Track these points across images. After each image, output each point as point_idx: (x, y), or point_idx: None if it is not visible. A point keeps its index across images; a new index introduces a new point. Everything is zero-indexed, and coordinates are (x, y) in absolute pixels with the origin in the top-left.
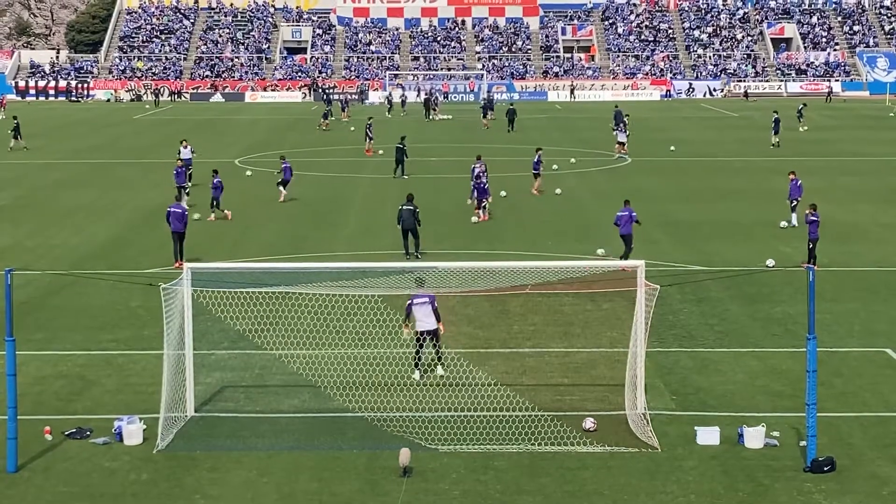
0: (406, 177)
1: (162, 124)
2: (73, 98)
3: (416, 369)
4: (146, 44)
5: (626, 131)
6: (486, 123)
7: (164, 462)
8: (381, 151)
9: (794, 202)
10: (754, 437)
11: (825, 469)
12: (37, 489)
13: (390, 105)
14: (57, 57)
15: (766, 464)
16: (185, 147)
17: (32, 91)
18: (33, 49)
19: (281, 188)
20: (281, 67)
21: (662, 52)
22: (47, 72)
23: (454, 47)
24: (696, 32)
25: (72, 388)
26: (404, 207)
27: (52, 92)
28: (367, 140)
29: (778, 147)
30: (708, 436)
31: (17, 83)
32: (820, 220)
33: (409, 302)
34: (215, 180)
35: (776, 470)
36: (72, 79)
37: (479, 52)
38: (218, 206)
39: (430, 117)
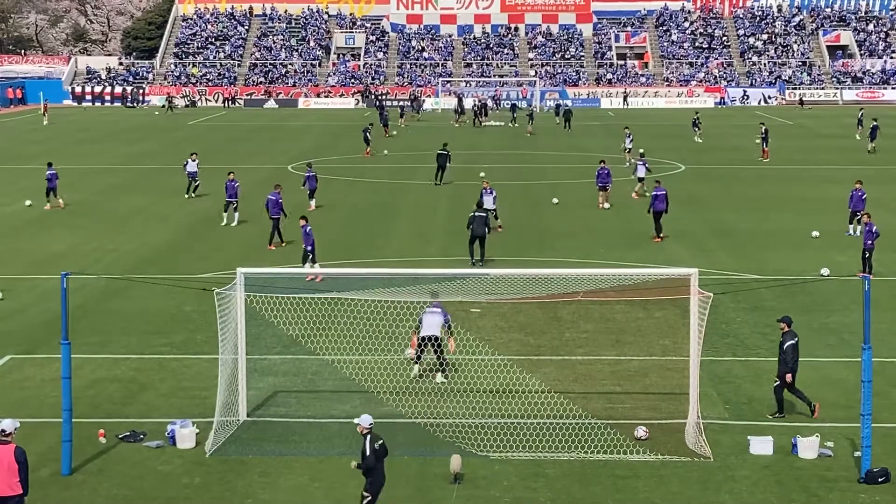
0: (438, 183)
1: (216, 130)
2: (129, 104)
3: (415, 365)
4: (201, 50)
5: (630, 137)
6: (531, 130)
7: (216, 466)
8: (385, 152)
9: (858, 214)
10: (808, 448)
11: (880, 480)
12: (90, 492)
13: (418, 110)
14: (118, 62)
15: (820, 474)
16: (193, 160)
17: (89, 97)
18: (90, 55)
19: (311, 200)
20: (334, 74)
21: (717, 59)
22: (103, 78)
23: (507, 54)
24: (751, 40)
25: (126, 391)
26: (476, 214)
27: (107, 98)
28: (365, 144)
29: (874, 153)
30: (761, 445)
31: (73, 89)
32: (876, 229)
33: (424, 312)
34: (49, 172)
35: (830, 480)
36: (127, 84)
37: (531, 59)
38: (55, 194)
39: (479, 124)
